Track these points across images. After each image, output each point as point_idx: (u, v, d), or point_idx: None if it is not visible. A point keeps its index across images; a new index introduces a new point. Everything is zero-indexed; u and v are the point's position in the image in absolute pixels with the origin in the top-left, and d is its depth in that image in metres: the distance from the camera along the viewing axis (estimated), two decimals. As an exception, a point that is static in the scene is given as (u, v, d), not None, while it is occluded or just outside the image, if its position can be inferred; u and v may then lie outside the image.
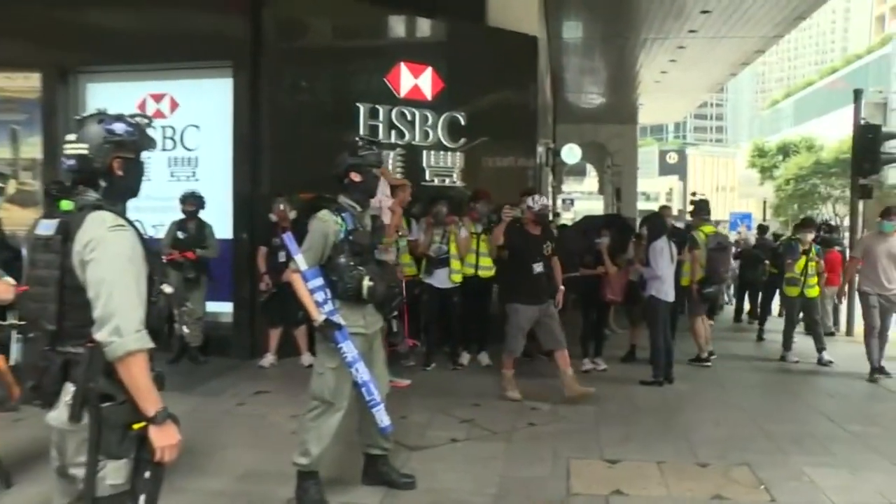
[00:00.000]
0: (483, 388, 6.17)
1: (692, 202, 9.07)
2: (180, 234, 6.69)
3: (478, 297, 7.06)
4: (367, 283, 3.53)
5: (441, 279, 6.77)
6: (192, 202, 6.73)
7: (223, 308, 7.24)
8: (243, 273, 7.07)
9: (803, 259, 7.75)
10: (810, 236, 7.90)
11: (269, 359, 6.81)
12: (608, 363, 7.12)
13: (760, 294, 10.54)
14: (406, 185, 6.38)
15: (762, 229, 12.96)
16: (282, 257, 6.40)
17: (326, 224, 3.55)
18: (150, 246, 2.20)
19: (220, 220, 7.04)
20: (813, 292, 7.87)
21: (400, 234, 6.43)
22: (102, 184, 2.18)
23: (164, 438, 2.07)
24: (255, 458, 4.36)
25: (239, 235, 7.11)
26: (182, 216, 6.74)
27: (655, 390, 6.31)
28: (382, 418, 3.71)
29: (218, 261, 6.89)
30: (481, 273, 7.00)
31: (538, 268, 5.61)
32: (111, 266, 2.04)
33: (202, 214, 6.81)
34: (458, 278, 6.83)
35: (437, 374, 6.72)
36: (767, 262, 10.49)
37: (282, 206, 6.58)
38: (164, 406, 2.09)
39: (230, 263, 7.11)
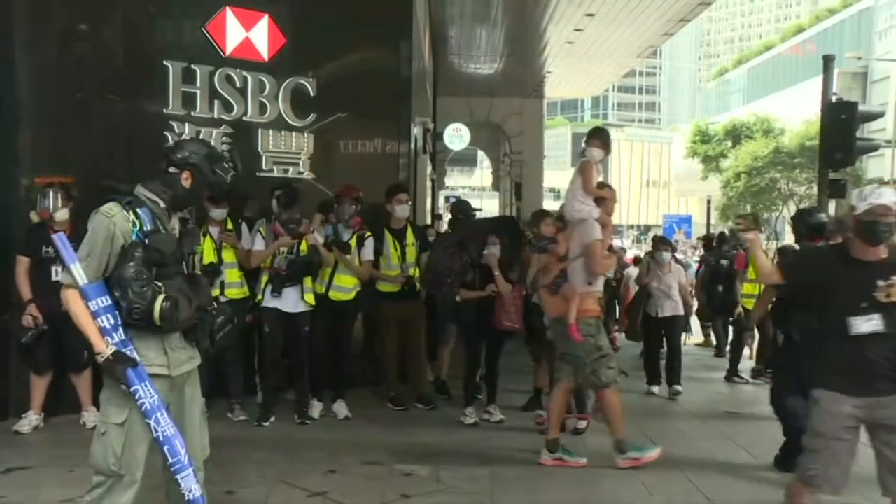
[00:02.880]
0: (339, 448, 6.42)
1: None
2: None
3: (332, 328, 7.37)
4: (160, 302, 3.57)
5: (290, 301, 6.99)
6: None
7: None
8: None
9: None
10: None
11: (30, 419, 6.72)
12: (505, 412, 7.54)
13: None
14: (613, 196, 6.39)
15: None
16: (57, 274, 6.34)
17: (113, 221, 3.59)
18: None
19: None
20: None
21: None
22: None
23: None
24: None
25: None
26: None
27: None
28: (191, 487, 3.72)
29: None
30: (334, 295, 7.34)
31: (866, 324, 4.12)
32: None
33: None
34: (312, 299, 7.11)
35: (277, 431, 6.89)
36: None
37: (48, 203, 6.55)
38: None
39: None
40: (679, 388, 9.08)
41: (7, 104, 6.99)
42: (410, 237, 7.87)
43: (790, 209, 47.87)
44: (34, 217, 6.66)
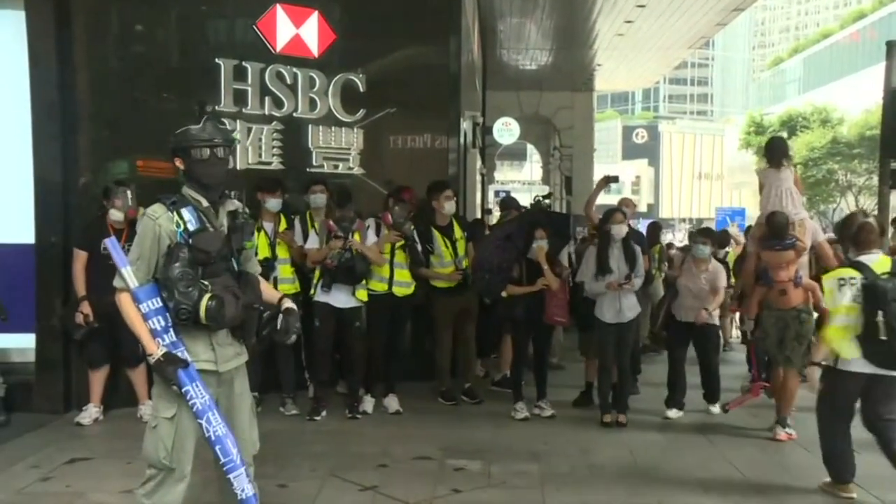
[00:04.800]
0: (391, 442, 6.49)
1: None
2: None
3: (390, 322, 7.49)
4: (206, 301, 3.61)
5: (342, 297, 7.08)
6: None
7: (22, 342, 7.29)
8: (52, 292, 7.15)
9: None
10: None
11: (90, 412, 6.90)
12: (556, 407, 7.54)
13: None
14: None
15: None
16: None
17: (157, 222, 3.66)
18: None
19: (12, 216, 7.19)
20: None
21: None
22: None
23: None
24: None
25: (46, 239, 7.19)
26: None
27: (622, 442, 6.75)
28: (244, 487, 3.79)
29: (13, 275, 6.99)
30: (397, 290, 7.44)
31: None
32: None
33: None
34: (365, 295, 7.19)
35: (328, 425, 7.00)
36: None
37: (131, 201, 6.71)
38: None
39: (30, 279, 7.16)
40: (716, 409, 7.71)
41: (67, 105, 7.18)
42: (458, 231, 7.89)
43: (848, 201, 47.06)
44: (116, 215, 6.75)
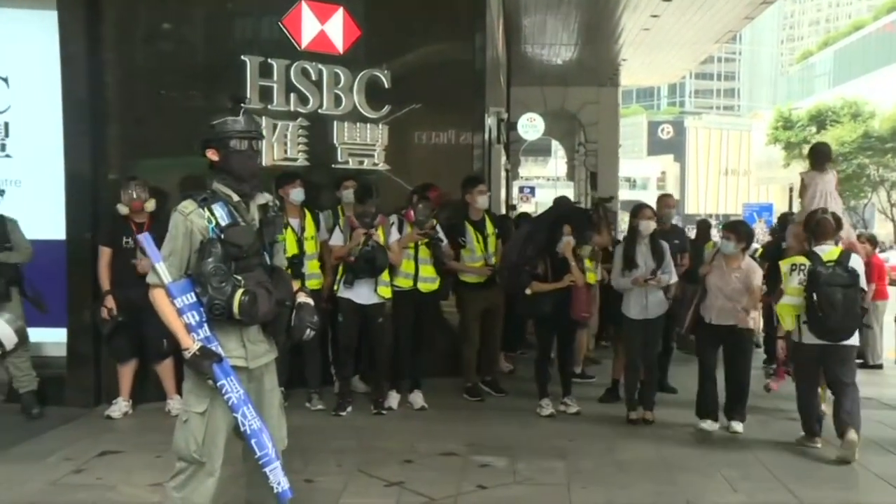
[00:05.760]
0: (416, 438, 6.54)
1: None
2: None
3: (415, 318, 7.53)
4: (239, 296, 3.63)
5: (364, 293, 7.13)
6: None
7: (54, 337, 7.40)
8: (84, 287, 7.25)
9: None
10: None
11: (120, 406, 7.01)
12: (582, 404, 7.56)
13: None
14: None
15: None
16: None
17: (189, 218, 3.69)
18: None
19: (45, 212, 7.31)
20: None
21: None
22: None
23: None
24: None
25: (77, 235, 7.30)
26: None
27: (648, 439, 6.75)
28: (279, 480, 3.82)
29: (46, 271, 7.07)
30: (422, 286, 7.47)
31: None
32: None
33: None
34: (387, 292, 7.24)
35: (354, 421, 7.05)
36: None
37: (136, 194, 6.82)
38: None
39: (63, 274, 7.29)
40: (738, 426, 6.94)
41: (97, 103, 7.31)
42: (490, 227, 7.96)
43: (880, 196, 46.57)
44: (122, 209, 6.89)
